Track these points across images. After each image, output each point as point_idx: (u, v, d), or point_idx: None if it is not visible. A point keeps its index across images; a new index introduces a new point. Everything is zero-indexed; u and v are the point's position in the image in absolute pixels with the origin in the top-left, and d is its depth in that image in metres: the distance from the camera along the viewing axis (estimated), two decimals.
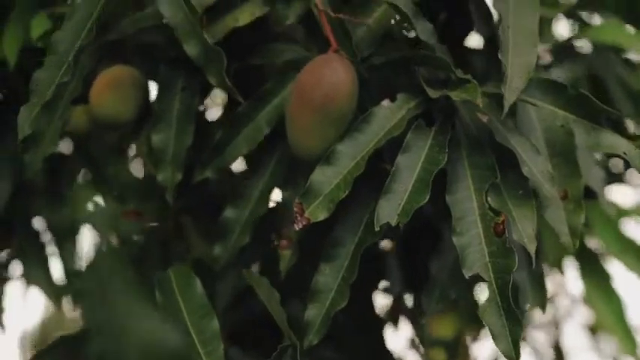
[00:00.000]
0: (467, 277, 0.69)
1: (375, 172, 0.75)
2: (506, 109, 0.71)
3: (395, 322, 1.30)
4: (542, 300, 0.82)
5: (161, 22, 0.80)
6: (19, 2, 1.02)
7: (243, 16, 0.84)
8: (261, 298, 0.81)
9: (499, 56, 0.71)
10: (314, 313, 0.74)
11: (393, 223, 0.69)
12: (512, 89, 0.71)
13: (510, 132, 0.75)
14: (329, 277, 0.74)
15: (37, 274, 1.26)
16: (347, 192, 0.71)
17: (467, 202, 0.72)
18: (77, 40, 0.76)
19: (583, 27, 1.29)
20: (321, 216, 0.71)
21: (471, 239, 0.70)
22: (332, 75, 0.75)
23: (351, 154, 0.73)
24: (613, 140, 0.73)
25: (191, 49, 0.78)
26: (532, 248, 0.70)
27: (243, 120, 0.83)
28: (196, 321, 0.79)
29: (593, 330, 1.59)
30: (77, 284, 1.18)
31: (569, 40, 1.32)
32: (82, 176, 1.23)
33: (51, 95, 0.73)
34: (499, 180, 0.72)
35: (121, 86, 0.87)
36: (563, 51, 1.33)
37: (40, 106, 0.72)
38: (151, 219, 1.03)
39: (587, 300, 1.41)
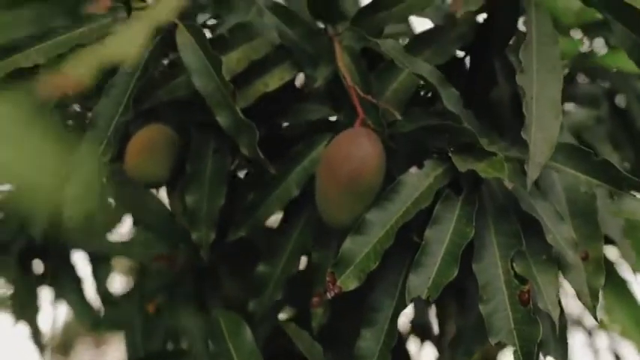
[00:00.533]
0: (493, 344, 0.72)
1: (407, 240, 0.78)
2: (529, 185, 0.73)
3: (421, 340, 1.34)
4: (563, 354, 0.85)
5: (194, 90, 0.82)
6: None
7: (272, 81, 0.86)
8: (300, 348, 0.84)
9: (522, 134, 0.73)
10: None
11: (424, 296, 0.72)
12: (535, 165, 0.73)
13: (535, 198, 0.77)
14: (370, 342, 0.76)
15: (71, 298, 1.31)
16: (377, 263, 0.74)
17: (492, 268, 0.75)
18: (115, 115, 0.79)
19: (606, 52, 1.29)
20: (352, 286, 0.74)
21: (497, 305, 0.73)
22: (359, 150, 0.78)
23: (381, 223, 0.75)
24: (635, 206, 0.75)
25: (223, 120, 0.80)
26: (556, 315, 0.73)
27: (275, 182, 0.86)
28: None
29: (591, 332, 1.63)
30: (112, 314, 1.23)
31: (588, 56, 1.33)
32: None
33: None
34: (524, 247, 0.75)
35: (156, 148, 0.89)
36: (582, 67, 1.35)
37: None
38: (183, 263, 1.06)
39: (606, 305, 1.44)
